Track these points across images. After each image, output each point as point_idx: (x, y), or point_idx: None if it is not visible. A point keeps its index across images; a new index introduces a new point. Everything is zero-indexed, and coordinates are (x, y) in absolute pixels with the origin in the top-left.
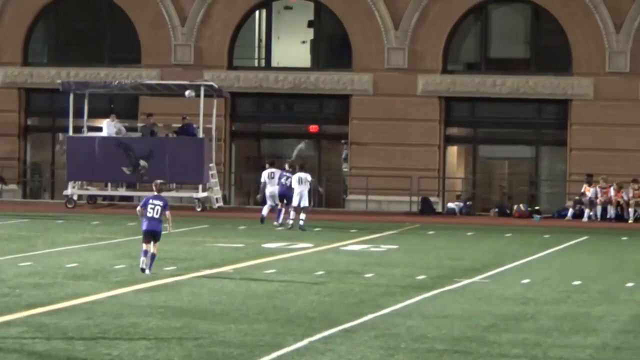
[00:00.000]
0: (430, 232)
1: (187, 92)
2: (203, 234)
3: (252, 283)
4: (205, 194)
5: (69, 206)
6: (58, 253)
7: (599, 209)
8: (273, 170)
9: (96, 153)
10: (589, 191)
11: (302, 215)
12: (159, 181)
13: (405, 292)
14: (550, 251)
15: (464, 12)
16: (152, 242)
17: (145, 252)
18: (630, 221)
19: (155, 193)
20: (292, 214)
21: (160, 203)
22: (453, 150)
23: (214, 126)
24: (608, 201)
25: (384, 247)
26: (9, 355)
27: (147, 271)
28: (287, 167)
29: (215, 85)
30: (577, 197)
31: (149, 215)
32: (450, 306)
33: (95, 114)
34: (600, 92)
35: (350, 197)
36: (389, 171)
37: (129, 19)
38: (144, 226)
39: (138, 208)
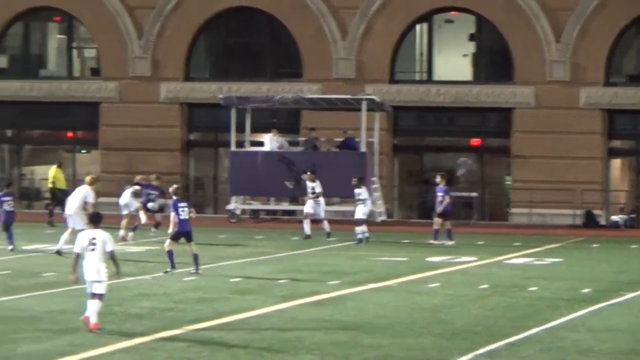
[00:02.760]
0: (594, 245)
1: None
2: (367, 248)
3: (417, 297)
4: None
5: (232, 221)
6: (222, 268)
7: None
8: None
9: (259, 167)
10: None
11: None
12: (175, 185)
13: (569, 305)
14: None
15: (626, 24)
16: (189, 242)
17: (171, 253)
18: None
19: (176, 198)
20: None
21: (187, 205)
22: (616, 163)
23: (376, 140)
24: None
25: (548, 261)
26: None
27: (192, 269)
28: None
29: (377, 99)
30: None
31: (181, 217)
32: (615, 320)
33: (257, 128)
34: None
35: (513, 210)
36: (552, 184)
37: (290, 33)
38: (179, 228)
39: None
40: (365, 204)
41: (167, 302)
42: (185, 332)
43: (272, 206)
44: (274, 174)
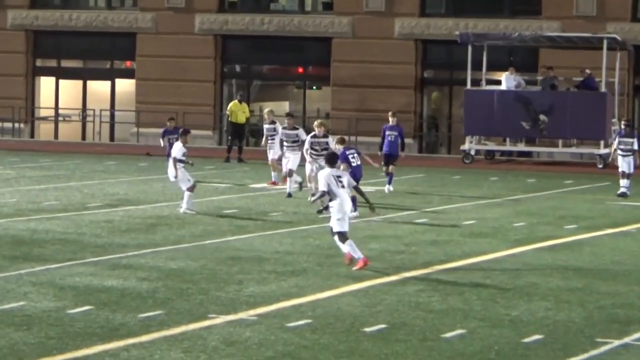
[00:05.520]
0: None
1: None
2: (604, 192)
3: None
4: (606, 151)
5: (466, 161)
6: (455, 210)
7: None
8: None
9: (494, 107)
10: None
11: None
12: (339, 136)
13: None
14: None
15: None
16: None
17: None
18: None
19: (344, 146)
20: None
21: (355, 151)
22: None
23: (616, 80)
24: None
25: None
26: (410, 311)
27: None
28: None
29: (619, 38)
30: None
31: (354, 164)
32: None
33: (493, 66)
34: None
35: None
36: None
37: None
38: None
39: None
40: (632, 154)
41: (397, 244)
42: (416, 276)
43: (507, 147)
44: (510, 113)
